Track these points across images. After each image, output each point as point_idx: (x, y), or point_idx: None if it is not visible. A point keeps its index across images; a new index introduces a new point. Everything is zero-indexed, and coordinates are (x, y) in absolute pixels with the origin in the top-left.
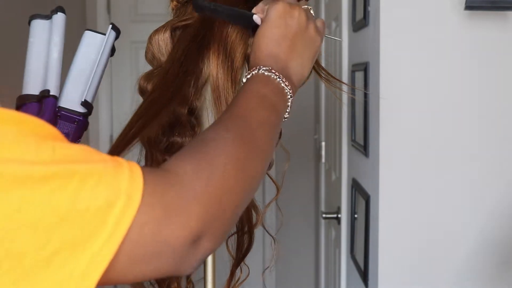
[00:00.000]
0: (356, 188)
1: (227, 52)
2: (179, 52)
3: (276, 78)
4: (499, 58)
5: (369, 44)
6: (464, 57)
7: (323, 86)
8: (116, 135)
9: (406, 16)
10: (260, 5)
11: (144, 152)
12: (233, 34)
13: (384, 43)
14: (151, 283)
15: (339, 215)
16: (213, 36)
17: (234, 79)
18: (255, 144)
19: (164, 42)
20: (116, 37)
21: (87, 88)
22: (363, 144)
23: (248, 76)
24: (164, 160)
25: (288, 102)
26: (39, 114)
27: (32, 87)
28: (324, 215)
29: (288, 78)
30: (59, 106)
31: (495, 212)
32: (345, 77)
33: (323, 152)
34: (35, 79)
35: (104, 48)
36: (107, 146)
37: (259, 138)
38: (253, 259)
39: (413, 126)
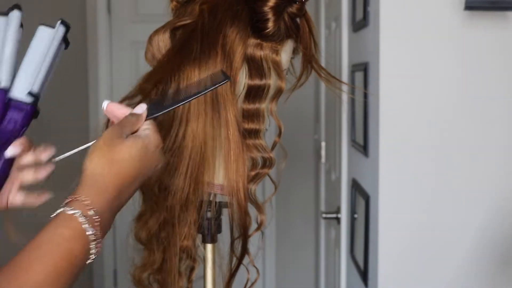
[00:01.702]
0: (356, 188)
1: (225, 52)
2: (175, 50)
3: (83, 222)
4: (499, 58)
5: (369, 44)
6: (464, 57)
7: (323, 86)
8: None
9: (406, 16)
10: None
11: None
12: (232, 34)
13: (384, 43)
14: (151, 283)
15: (339, 215)
16: (212, 36)
17: (233, 80)
18: None
19: (164, 42)
20: (66, 32)
21: (35, 78)
22: (363, 144)
23: (57, 211)
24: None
25: (91, 246)
26: None
27: None
28: (324, 215)
29: (106, 215)
30: (10, 98)
31: (494, 211)
32: (345, 77)
33: (323, 152)
34: None
35: (52, 41)
36: None
37: None
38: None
39: (413, 126)
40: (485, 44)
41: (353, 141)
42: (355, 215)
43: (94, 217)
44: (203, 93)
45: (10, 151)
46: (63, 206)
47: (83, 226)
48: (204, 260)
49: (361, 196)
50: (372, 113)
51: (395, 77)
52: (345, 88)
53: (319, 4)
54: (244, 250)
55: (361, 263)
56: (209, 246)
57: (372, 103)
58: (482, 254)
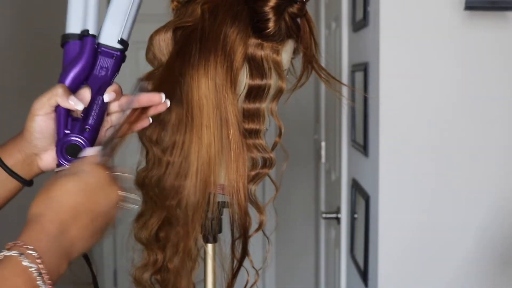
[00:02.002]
0: (356, 188)
1: (226, 52)
2: (176, 54)
3: (22, 260)
4: (499, 58)
5: (369, 44)
6: (464, 57)
7: (323, 86)
8: None
9: (406, 17)
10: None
11: (144, 153)
12: (232, 34)
13: (384, 43)
14: (152, 283)
15: (339, 215)
16: (213, 37)
17: (233, 80)
18: None
19: (165, 42)
20: None
21: (123, 26)
22: (363, 144)
23: (3, 252)
24: (167, 161)
25: (39, 283)
26: (80, 51)
27: (73, 27)
28: (324, 215)
29: (51, 252)
30: (99, 43)
31: (494, 211)
32: (345, 77)
33: (323, 152)
34: (76, 19)
35: None
36: None
37: None
38: (253, 260)
39: (412, 126)
40: (485, 44)
41: (353, 141)
42: (355, 215)
43: (33, 255)
44: (128, 107)
45: (108, 97)
46: (3, 252)
47: (23, 263)
48: (204, 260)
49: (361, 196)
50: (372, 113)
51: (395, 77)
52: (345, 90)
53: (319, 4)
54: (245, 251)
55: (361, 263)
56: (210, 246)
57: (372, 103)
58: (482, 254)
